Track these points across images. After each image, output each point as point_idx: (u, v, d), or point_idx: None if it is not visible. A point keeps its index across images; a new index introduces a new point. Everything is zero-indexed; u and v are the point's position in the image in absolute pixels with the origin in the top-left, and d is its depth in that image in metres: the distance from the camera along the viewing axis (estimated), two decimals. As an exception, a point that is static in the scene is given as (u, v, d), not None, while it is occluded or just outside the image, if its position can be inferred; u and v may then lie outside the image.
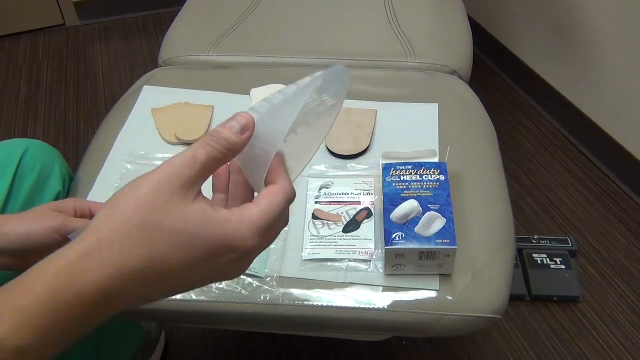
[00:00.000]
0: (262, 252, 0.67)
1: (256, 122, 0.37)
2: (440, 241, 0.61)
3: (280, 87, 0.91)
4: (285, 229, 0.70)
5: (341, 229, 0.69)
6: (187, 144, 0.83)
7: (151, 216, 0.32)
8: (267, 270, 0.66)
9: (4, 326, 0.29)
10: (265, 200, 0.36)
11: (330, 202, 0.72)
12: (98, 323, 0.32)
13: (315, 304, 0.64)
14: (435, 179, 0.68)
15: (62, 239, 0.55)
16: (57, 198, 0.76)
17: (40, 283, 0.30)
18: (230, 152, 0.36)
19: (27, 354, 0.30)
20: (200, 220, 0.33)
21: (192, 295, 0.65)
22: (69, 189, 0.80)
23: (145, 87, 0.95)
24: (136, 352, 1.06)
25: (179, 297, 0.65)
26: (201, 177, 0.35)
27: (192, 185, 0.34)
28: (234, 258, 0.35)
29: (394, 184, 0.68)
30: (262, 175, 0.37)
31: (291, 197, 0.38)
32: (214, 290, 0.65)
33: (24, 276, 0.31)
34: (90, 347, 0.87)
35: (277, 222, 0.37)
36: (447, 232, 0.62)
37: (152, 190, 0.33)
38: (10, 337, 0.29)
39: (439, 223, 0.63)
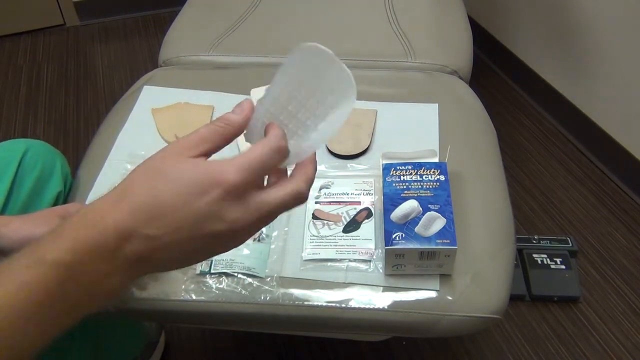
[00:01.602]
0: (262, 253, 0.67)
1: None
2: (440, 241, 0.61)
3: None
4: (285, 228, 0.70)
5: (341, 229, 0.69)
6: (187, 144, 0.83)
7: (153, 166, 0.39)
8: (267, 270, 0.66)
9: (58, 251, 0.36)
10: (251, 149, 0.40)
11: (330, 202, 0.72)
12: (119, 263, 0.37)
13: (315, 304, 0.64)
14: (435, 179, 0.68)
15: None
16: (57, 198, 0.76)
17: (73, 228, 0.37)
18: (228, 125, 0.41)
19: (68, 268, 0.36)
20: (192, 164, 0.38)
21: (192, 295, 0.65)
22: (69, 188, 0.80)
23: (145, 87, 0.95)
24: (136, 356, 1.06)
25: (179, 297, 0.65)
26: (200, 142, 0.39)
27: (189, 147, 0.39)
28: (220, 195, 0.37)
29: (394, 184, 0.68)
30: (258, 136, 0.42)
31: (277, 149, 0.40)
32: (214, 290, 0.65)
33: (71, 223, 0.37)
34: (89, 350, 0.87)
35: (263, 168, 0.39)
36: (447, 232, 0.62)
37: (158, 154, 0.40)
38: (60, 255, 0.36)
39: (439, 223, 0.63)
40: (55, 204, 0.76)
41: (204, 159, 0.39)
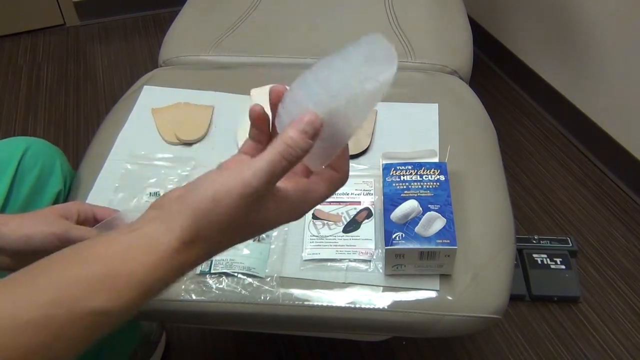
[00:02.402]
0: (262, 253, 0.67)
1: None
2: (440, 241, 0.61)
3: (280, 87, 0.91)
4: (285, 228, 0.70)
5: (341, 229, 0.69)
6: (187, 144, 0.83)
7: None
8: (267, 270, 0.66)
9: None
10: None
11: (330, 202, 0.72)
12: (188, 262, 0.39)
13: (315, 304, 0.64)
14: (435, 179, 0.68)
15: (61, 245, 0.55)
16: (57, 197, 0.76)
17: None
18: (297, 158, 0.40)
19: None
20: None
21: (192, 295, 0.65)
22: (70, 187, 0.80)
23: (145, 87, 0.95)
24: (136, 348, 1.05)
25: (179, 297, 0.65)
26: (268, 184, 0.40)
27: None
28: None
29: (394, 184, 0.68)
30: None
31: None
32: (214, 290, 0.65)
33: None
34: (91, 353, 0.87)
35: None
36: (447, 232, 0.62)
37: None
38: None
39: (439, 223, 0.63)
40: (55, 202, 0.76)
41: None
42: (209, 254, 0.40)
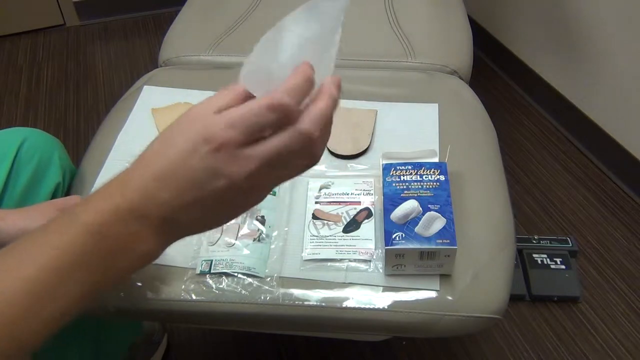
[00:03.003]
0: (262, 253, 0.67)
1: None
2: (440, 241, 0.61)
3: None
4: (285, 228, 0.70)
5: (341, 229, 0.69)
6: (187, 144, 0.83)
7: (167, 130, 0.41)
8: (267, 270, 0.66)
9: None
10: (247, 103, 0.38)
11: (330, 202, 0.72)
12: (147, 223, 0.39)
13: (315, 304, 0.64)
14: (435, 179, 0.68)
15: None
16: (56, 189, 0.75)
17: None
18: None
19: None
20: (190, 122, 0.39)
21: (192, 295, 0.65)
22: (69, 181, 0.79)
23: (145, 87, 0.95)
24: (139, 345, 1.06)
25: (179, 297, 0.65)
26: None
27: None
28: (209, 151, 0.36)
29: (394, 184, 0.68)
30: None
31: (272, 107, 0.37)
32: (214, 290, 0.65)
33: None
34: (90, 337, 0.87)
35: (254, 126, 0.37)
36: (447, 232, 0.62)
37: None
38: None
39: (439, 223, 0.63)
40: (54, 196, 0.75)
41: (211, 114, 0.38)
42: (164, 219, 0.38)
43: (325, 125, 0.38)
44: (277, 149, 0.37)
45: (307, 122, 0.37)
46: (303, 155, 0.39)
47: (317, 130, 0.38)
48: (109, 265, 0.38)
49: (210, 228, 0.42)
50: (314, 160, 0.40)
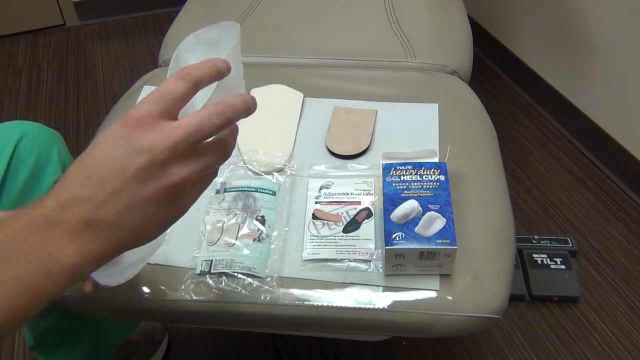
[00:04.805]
0: (262, 253, 0.67)
1: None
2: (440, 241, 0.61)
3: (280, 87, 0.91)
4: (285, 228, 0.70)
5: (341, 229, 0.69)
6: (187, 144, 0.83)
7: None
8: (267, 270, 0.66)
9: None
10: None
11: (330, 202, 0.72)
12: (65, 230, 0.37)
13: (315, 304, 0.64)
14: (435, 179, 0.68)
15: None
16: None
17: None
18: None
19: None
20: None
21: (192, 295, 0.65)
22: None
23: (145, 87, 0.95)
24: (141, 346, 1.06)
25: (179, 297, 0.65)
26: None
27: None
28: (129, 130, 0.38)
29: (394, 184, 0.68)
30: None
31: (181, 75, 0.40)
32: (214, 290, 0.65)
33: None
34: (90, 328, 0.87)
35: (167, 95, 0.39)
36: (447, 232, 0.62)
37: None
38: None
39: (439, 223, 0.63)
40: None
41: None
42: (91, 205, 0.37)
43: (234, 117, 0.41)
44: (198, 121, 0.39)
45: (222, 103, 0.40)
46: (218, 145, 0.41)
47: (230, 112, 0.40)
48: (27, 281, 0.36)
49: (141, 233, 0.40)
50: (226, 153, 0.42)
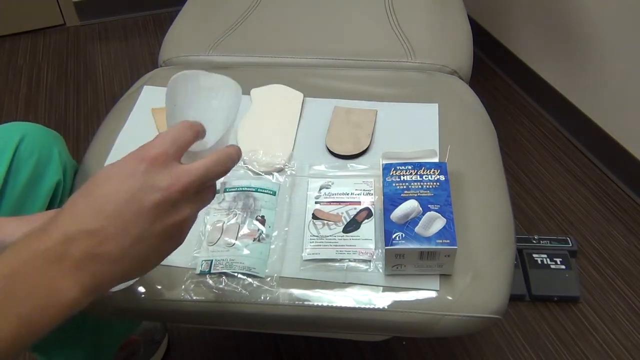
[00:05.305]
0: (262, 253, 0.67)
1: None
2: (440, 241, 0.61)
3: (280, 87, 0.91)
4: (285, 228, 0.70)
5: (341, 229, 0.69)
6: (187, 144, 0.83)
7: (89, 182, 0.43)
8: (267, 270, 0.66)
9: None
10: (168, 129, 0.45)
11: (330, 202, 0.72)
12: (68, 264, 0.38)
13: (315, 304, 0.64)
14: (435, 179, 0.68)
15: None
16: (56, 187, 0.73)
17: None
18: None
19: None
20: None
21: (192, 295, 0.65)
22: (72, 176, 0.78)
23: (145, 87, 0.95)
24: (140, 345, 1.06)
25: (179, 297, 0.65)
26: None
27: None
28: (146, 166, 0.41)
29: (394, 184, 0.68)
30: None
31: (189, 125, 0.45)
32: (214, 290, 0.65)
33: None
34: (90, 328, 0.87)
35: (179, 139, 0.43)
36: (447, 232, 0.62)
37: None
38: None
39: (439, 223, 0.63)
40: (54, 194, 0.73)
41: None
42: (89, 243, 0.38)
43: (232, 166, 0.46)
44: (207, 167, 0.43)
45: (221, 154, 0.45)
46: (211, 188, 0.46)
47: (230, 162, 0.46)
48: (27, 315, 0.36)
49: (142, 266, 0.42)
50: (214, 195, 0.47)
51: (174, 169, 0.42)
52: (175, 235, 0.43)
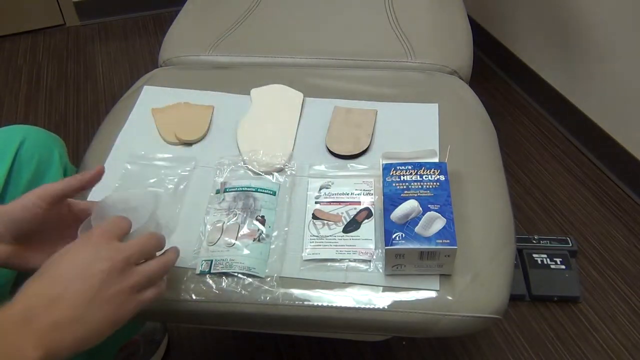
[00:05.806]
0: (262, 253, 0.68)
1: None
2: (440, 241, 0.61)
3: (280, 87, 0.91)
4: (285, 228, 0.70)
5: (341, 229, 0.69)
6: (187, 144, 0.83)
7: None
8: (267, 270, 0.66)
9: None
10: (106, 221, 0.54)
11: (330, 202, 0.72)
12: (30, 333, 0.43)
13: (315, 304, 0.64)
14: (435, 179, 0.68)
15: (47, 207, 0.55)
16: None
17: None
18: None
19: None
20: None
21: (192, 295, 0.65)
22: None
23: (145, 87, 0.95)
24: (140, 346, 1.06)
25: (179, 297, 0.65)
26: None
27: None
28: (92, 244, 0.50)
29: (394, 184, 0.68)
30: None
31: (119, 219, 0.54)
32: (214, 290, 0.65)
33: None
34: None
35: (115, 228, 0.53)
36: (447, 232, 0.62)
37: None
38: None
39: (439, 223, 0.63)
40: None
41: None
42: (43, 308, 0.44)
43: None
44: (137, 242, 0.52)
45: (150, 237, 0.54)
46: (157, 262, 0.54)
47: (156, 242, 0.54)
48: None
49: (97, 332, 0.47)
50: (164, 268, 0.55)
51: (114, 245, 0.50)
52: (125, 302, 0.49)
